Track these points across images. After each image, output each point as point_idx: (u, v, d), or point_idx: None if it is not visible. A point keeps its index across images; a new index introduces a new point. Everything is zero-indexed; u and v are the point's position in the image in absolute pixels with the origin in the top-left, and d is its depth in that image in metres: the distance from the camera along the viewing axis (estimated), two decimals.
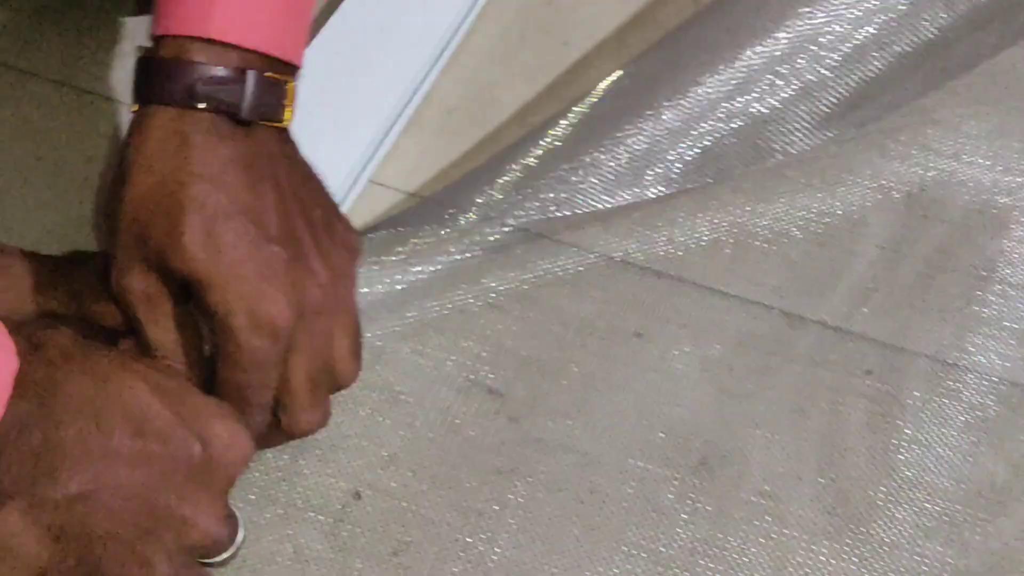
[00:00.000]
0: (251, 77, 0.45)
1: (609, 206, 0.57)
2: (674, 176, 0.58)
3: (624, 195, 0.57)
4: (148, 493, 0.39)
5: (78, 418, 0.38)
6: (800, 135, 0.59)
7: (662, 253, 0.58)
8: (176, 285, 0.44)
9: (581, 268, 0.58)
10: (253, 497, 0.49)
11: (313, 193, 0.48)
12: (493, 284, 0.57)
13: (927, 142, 0.62)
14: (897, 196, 0.60)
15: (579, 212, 0.57)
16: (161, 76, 0.44)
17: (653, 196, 0.58)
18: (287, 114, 0.47)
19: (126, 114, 0.51)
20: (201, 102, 0.44)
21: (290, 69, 0.47)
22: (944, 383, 0.53)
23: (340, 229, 0.48)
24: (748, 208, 0.60)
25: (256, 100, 0.45)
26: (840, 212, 0.59)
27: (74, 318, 0.46)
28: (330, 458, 0.51)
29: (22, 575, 0.38)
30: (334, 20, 0.64)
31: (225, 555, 0.43)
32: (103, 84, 0.64)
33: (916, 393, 0.53)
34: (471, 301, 0.57)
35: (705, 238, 0.59)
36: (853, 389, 0.53)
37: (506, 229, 0.57)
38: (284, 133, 0.48)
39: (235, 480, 0.42)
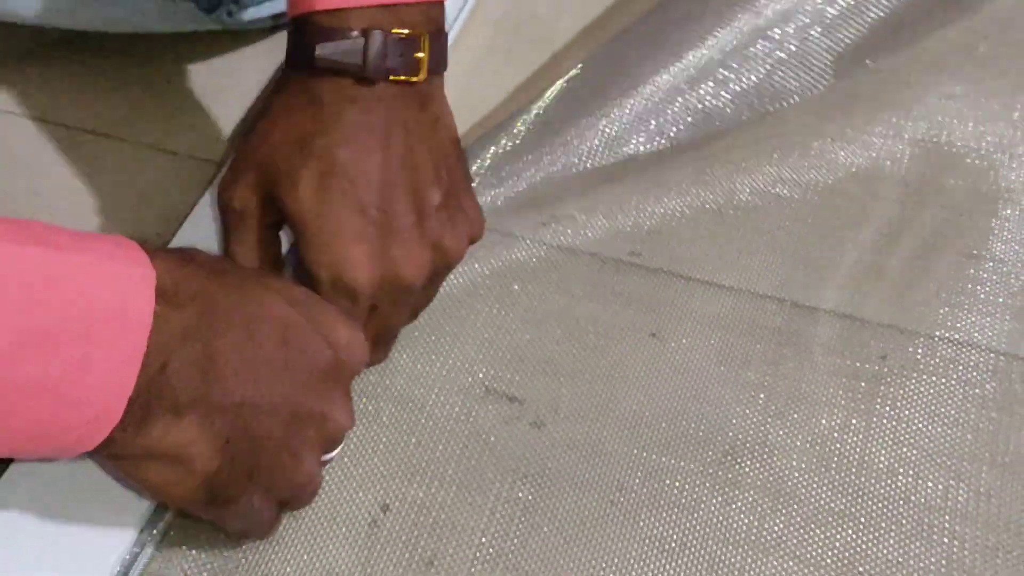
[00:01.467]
0: (376, 37, 0.46)
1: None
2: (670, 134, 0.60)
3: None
4: (293, 395, 0.42)
5: (232, 329, 0.40)
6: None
7: (671, 253, 0.58)
8: (270, 216, 0.48)
9: (592, 271, 0.58)
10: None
11: (439, 165, 0.49)
12: (503, 291, 0.57)
13: (914, 121, 0.63)
14: (891, 178, 0.61)
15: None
16: (292, 47, 0.48)
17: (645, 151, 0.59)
18: (422, 70, 0.47)
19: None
20: (324, 67, 0.46)
21: (430, 12, 0.48)
22: (943, 361, 0.54)
23: (462, 207, 0.50)
24: (749, 200, 0.60)
25: (379, 60, 0.46)
26: (836, 201, 0.60)
27: None
28: (354, 472, 0.51)
29: (195, 479, 0.41)
30: None
31: (333, 454, 0.47)
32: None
33: (915, 373, 0.53)
34: (483, 309, 0.57)
35: (709, 235, 0.59)
36: (865, 373, 0.53)
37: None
38: (424, 89, 0.48)
39: (354, 377, 0.46)
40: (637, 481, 0.50)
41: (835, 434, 0.52)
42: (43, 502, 0.47)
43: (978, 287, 0.57)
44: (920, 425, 0.52)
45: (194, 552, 0.47)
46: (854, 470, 0.50)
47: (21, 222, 0.37)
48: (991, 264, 0.57)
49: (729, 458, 0.51)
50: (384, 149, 0.46)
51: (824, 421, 0.52)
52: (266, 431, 0.41)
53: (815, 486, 0.50)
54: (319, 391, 0.43)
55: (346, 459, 0.51)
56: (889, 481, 0.50)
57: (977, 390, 0.53)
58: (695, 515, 0.49)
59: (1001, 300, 0.56)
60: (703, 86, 0.64)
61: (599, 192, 0.61)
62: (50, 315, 0.35)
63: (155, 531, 0.47)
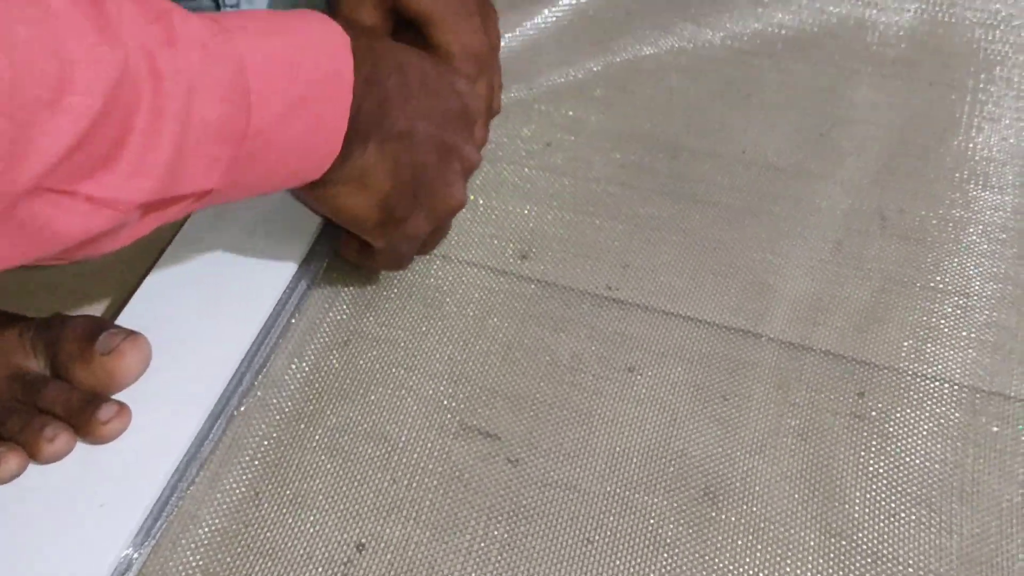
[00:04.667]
0: None
1: None
2: None
3: None
4: (439, 132, 0.52)
5: (395, 74, 0.50)
6: None
7: (648, 287, 0.58)
8: (392, 26, 0.57)
9: (569, 306, 0.58)
10: (256, 554, 0.48)
11: None
12: (479, 325, 0.57)
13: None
14: (859, 211, 0.61)
15: None
16: None
17: None
18: None
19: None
20: None
21: None
22: (914, 394, 0.54)
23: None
24: (716, 235, 0.60)
25: None
26: (808, 235, 0.60)
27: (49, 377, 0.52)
28: (330, 511, 0.50)
29: (374, 197, 0.51)
30: None
31: None
32: None
33: (881, 405, 0.54)
34: (459, 343, 0.56)
35: (686, 269, 0.59)
36: (835, 407, 0.53)
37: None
38: None
39: (476, 124, 0.56)
40: (614, 519, 0.50)
41: (812, 470, 0.51)
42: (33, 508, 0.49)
43: (943, 321, 0.57)
44: (893, 459, 0.52)
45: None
46: (831, 506, 0.50)
47: (244, 13, 0.45)
48: (955, 299, 0.58)
49: (707, 496, 0.51)
50: None
51: (801, 457, 0.52)
52: (423, 157, 0.51)
53: (792, 524, 0.50)
54: (456, 127, 0.54)
55: (320, 497, 0.50)
56: (865, 516, 0.50)
57: (944, 422, 0.53)
58: (672, 554, 0.49)
59: (964, 334, 0.56)
60: None
61: (575, 226, 0.61)
62: (302, 85, 0.45)
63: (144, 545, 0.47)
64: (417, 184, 0.52)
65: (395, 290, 0.59)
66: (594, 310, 0.58)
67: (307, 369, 0.56)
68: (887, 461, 0.52)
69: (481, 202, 0.63)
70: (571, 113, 0.67)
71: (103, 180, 0.39)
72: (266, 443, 0.53)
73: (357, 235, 0.54)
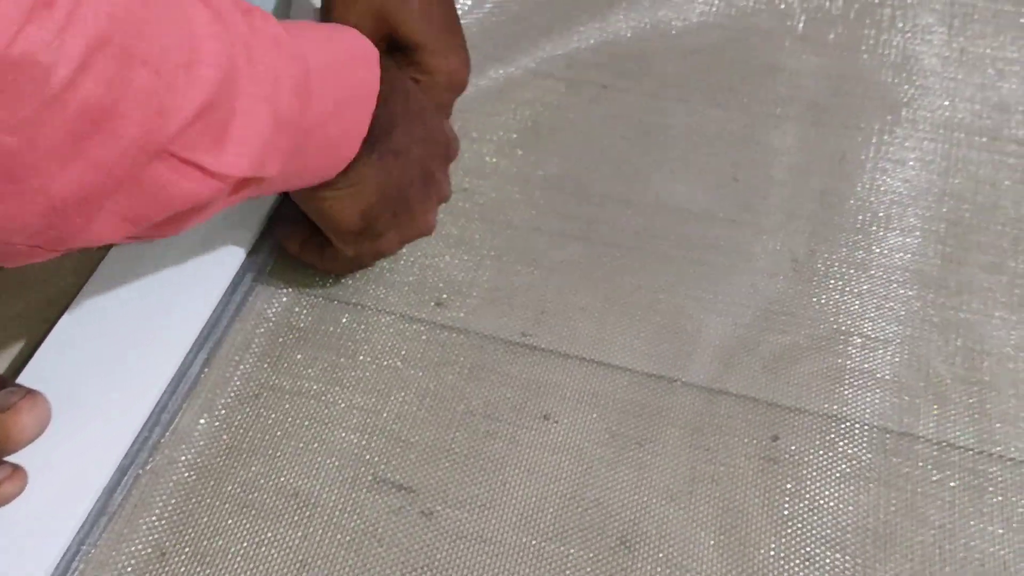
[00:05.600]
0: None
1: None
2: None
3: None
4: (426, 159, 0.56)
5: (402, 97, 0.54)
6: None
7: (562, 333, 0.58)
8: (384, 51, 0.57)
9: (484, 353, 0.57)
10: None
11: None
12: (393, 375, 0.56)
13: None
14: (767, 254, 0.62)
15: None
16: None
17: None
18: None
19: None
20: None
21: None
22: (820, 435, 0.54)
23: None
24: (631, 280, 0.61)
25: None
26: (716, 277, 0.61)
27: None
28: (241, 569, 0.49)
29: (359, 208, 0.54)
30: None
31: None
32: None
33: (794, 447, 0.54)
34: (372, 393, 0.56)
35: (599, 314, 0.59)
36: (749, 451, 0.54)
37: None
38: None
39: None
40: (528, 571, 0.49)
41: (727, 516, 0.51)
42: None
43: (851, 362, 0.57)
44: (807, 502, 0.52)
45: None
46: (746, 552, 0.50)
47: (298, 23, 0.49)
48: (862, 340, 0.58)
49: (622, 544, 0.50)
50: None
51: (716, 503, 0.52)
52: (410, 178, 0.55)
53: (708, 570, 0.50)
54: (439, 159, 0.58)
55: (230, 556, 0.49)
56: (780, 561, 0.50)
57: (856, 464, 0.53)
58: None
59: (872, 375, 0.57)
60: None
61: (491, 272, 0.61)
62: (345, 89, 0.50)
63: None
64: (399, 202, 0.55)
65: (307, 341, 0.58)
66: (510, 357, 0.58)
67: (217, 424, 0.55)
68: (801, 504, 0.52)
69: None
70: (487, 158, 0.67)
71: (214, 152, 0.42)
72: (174, 501, 0.52)
73: (304, 231, 0.58)
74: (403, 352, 0.58)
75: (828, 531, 0.51)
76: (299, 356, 0.57)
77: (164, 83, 0.39)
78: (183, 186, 0.42)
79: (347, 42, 0.51)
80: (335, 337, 0.58)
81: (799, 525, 0.51)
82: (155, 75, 0.38)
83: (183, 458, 0.53)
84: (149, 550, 0.50)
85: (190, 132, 0.41)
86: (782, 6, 0.76)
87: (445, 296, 0.60)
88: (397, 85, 0.54)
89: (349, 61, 0.51)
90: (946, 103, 0.70)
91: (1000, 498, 0.52)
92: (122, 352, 0.55)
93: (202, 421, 0.55)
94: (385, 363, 0.57)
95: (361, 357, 0.57)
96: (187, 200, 0.43)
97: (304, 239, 0.59)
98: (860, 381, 0.57)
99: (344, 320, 0.59)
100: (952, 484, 0.53)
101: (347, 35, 0.52)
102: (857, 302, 0.60)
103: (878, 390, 0.56)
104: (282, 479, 0.52)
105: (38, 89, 0.36)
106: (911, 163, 0.66)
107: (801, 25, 0.75)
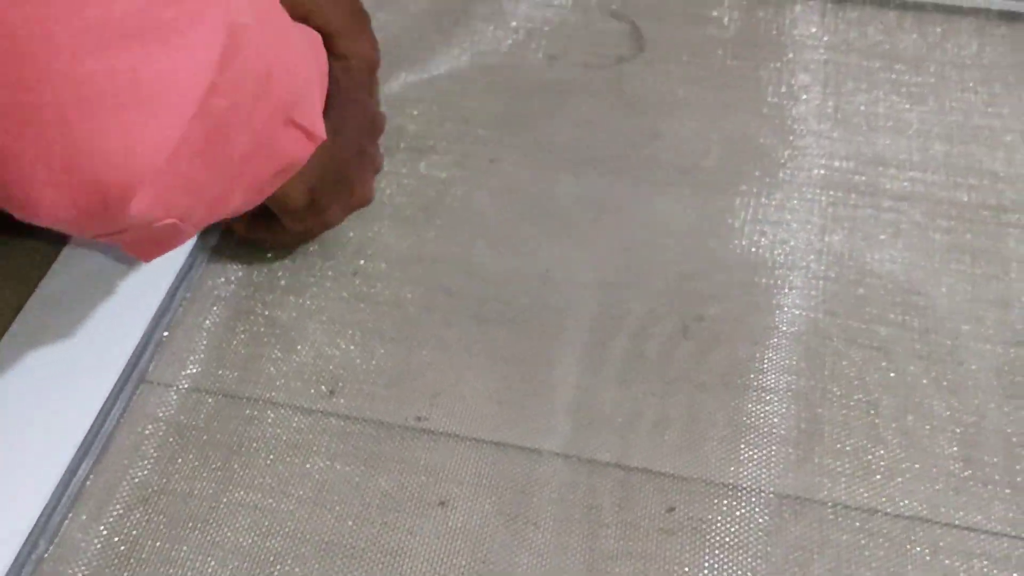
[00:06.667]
0: None
1: None
2: None
3: None
4: (358, 136, 0.62)
5: (332, 81, 0.60)
6: None
7: (456, 415, 0.58)
8: None
9: (378, 440, 0.57)
10: None
11: None
12: (285, 467, 0.56)
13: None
14: (665, 318, 0.63)
15: None
16: None
17: None
18: None
19: None
20: None
21: None
22: (716, 502, 0.55)
23: None
24: (524, 356, 0.61)
25: None
26: (615, 345, 0.61)
27: None
28: None
29: (305, 185, 0.58)
30: None
31: None
32: None
33: (691, 516, 0.54)
34: (261, 487, 0.55)
35: (492, 393, 0.59)
36: (646, 524, 0.54)
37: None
38: None
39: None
40: None
41: None
42: None
43: (744, 419, 0.58)
44: (706, 572, 0.52)
45: None
46: None
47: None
48: (755, 393, 0.59)
49: None
50: None
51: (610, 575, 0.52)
52: (347, 154, 0.61)
53: None
54: (370, 137, 0.65)
55: None
56: None
57: (751, 526, 0.54)
58: None
59: (765, 436, 0.57)
60: None
61: (383, 356, 0.61)
62: (317, 73, 0.58)
63: None
64: (340, 177, 0.61)
65: (198, 440, 0.57)
66: (405, 443, 0.57)
67: (105, 532, 0.53)
68: (704, 571, 0.52)
69: (289, 335, 0.62)
70: (378, 237, 0.67)
71: (311, 116, 0.53)
72: None
73: (250, 212, 0.60)
74: (297, 445, 0.57)
75: None
76: (190, 456, 0.56)
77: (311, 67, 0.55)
78: (294, 147, 0.53)
79: (299, 29, 0.57)
80: (226, 433, 0.57)
81: None
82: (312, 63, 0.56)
83: (69, 570, 0.52)
84: None
85: (304, 100, 0.52)
86: (662, 72, 0.78)
87: (339, 384, 0.60)
88: (334, 67, 0.60)
89: (307, 50, 0.57)
90: (823, 161, 0.72)
91: (884, 553, 0.53)
92: (4, 458, 0.54)
93: (89, 530, 0.53)
94: (279, 458, 0.56)
95: (253, 453, 0.57)
96: (296, 159, 0.53)
97: (251, 219, 0.62)
98: (755, 439, 0.57)
99: (236, 416, 0.58)
100: (845, 539, 0.53)
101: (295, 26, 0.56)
102: (746, 362, 0.61)
103: (772, 447, 0.57)
104: None
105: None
106: (791, 223, 0.68)
107: (681, 90, 0.77)
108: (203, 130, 0.44)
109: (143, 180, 0.43)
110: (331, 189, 0.60)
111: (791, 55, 0.79)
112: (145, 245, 0.50)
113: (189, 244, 0.65)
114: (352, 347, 0.61)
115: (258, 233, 0.64)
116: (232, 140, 0.47)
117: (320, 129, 0.54)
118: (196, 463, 0.56)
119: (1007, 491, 0.55)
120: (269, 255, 0.66)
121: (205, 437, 0.57)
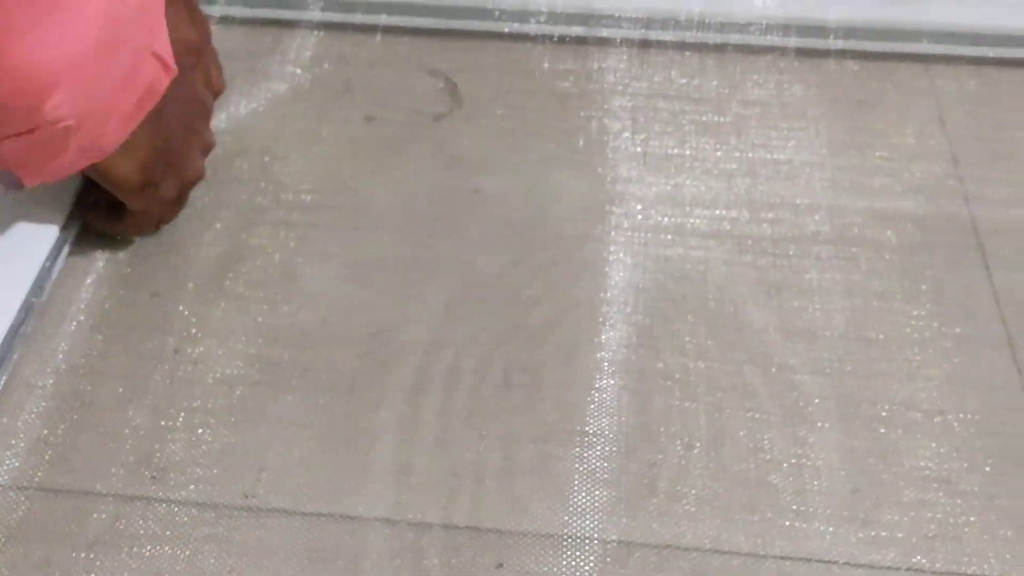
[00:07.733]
0: None
1: None
2: None
3: None
4: (182, 116, 0.66)
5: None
6: None
7: (287, 490, 0.58)
8: None
9: (206, 524, 0.56)
10: None
11: None
12: (111, 560, 0.55)
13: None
14: (478, 373, 0.64)
15: None
16: None
17: None
18: None
19: None
20: None
21: None
22: (544, 555, 0.56)
23: None
24: (347, 422, 0.61)
25: None
26: (435, 403, 0.62)
27: None
28: None
29: (136, 163, 0.63)
30: None
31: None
32: None
33: (521, 571, 0.55)
34: None
35: (324, 463, 0.59)
36: None
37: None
38: None
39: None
40: None
41: None
42: None
43: (568, 465, 0.59)
44: None
45: None
46: None
47: None
48: (578, 439, 0.61)
49: None
50: None
51: None
52: (171, 133, 0.64)
53: None
54: (196, 116, 0.68)
55: None
56: None
57: (579, 574, 0.55)
58: None
59: (589, 482, 0.59)
60: None
61: (207, 434, 0.60)
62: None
63: None
64: (169, 153, 0.65)
65: (19, 536, 0.55)
66: (234, 523, 0.57)
67: None
68: None
69: (104, 418, 0.61)
70: (198, 315, 0.66)
71: (167, 50, 0.60)
72: None
73: (99, 203, 0.67)
74: (123, 535, 0.56)
75: None
76: (9, 554, 0.55)
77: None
78: (155, 75, 0.60)
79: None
80: (50, 532, 0.56)
81: None
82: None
83: None
84: None
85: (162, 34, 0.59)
86: (479, 128, 0.79)
87: (162, 467, 0.59)
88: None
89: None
90: (638, 207, 0.74)
91: None
92: None
93: None
94: (104, 553, 0.55)
95: (76, 550, 0.55)
96: (157, 87, 0.60)
97: (103, 211, 0.68)
98: (579, 485, 0.59)
99: (58, 510, 0.57)
100: None
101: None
102: (570, 407, 0.62)
103: (596, 492, 0.58)
104: None
105: None
106: (614, 264, 0.70)
107: (499, 145, 0.78)
108: (105, 38, 0.53)
109: (61, 77, 0.52)
110: (162, 165, 0.65)
111: (601, 102, 0.82)
112: (34, 159, 0.57)
113: (3, 327, 0.63)
114: (174, 428, 0.61)
115: (111, 223, 0.68)
116: (118, 53, 0.56)
117: (173, 63, 0.60)
118: (15, 562, 0.54)
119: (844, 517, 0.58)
120: (99, 336, 0.65)
121: (29, 534, 0.56)
